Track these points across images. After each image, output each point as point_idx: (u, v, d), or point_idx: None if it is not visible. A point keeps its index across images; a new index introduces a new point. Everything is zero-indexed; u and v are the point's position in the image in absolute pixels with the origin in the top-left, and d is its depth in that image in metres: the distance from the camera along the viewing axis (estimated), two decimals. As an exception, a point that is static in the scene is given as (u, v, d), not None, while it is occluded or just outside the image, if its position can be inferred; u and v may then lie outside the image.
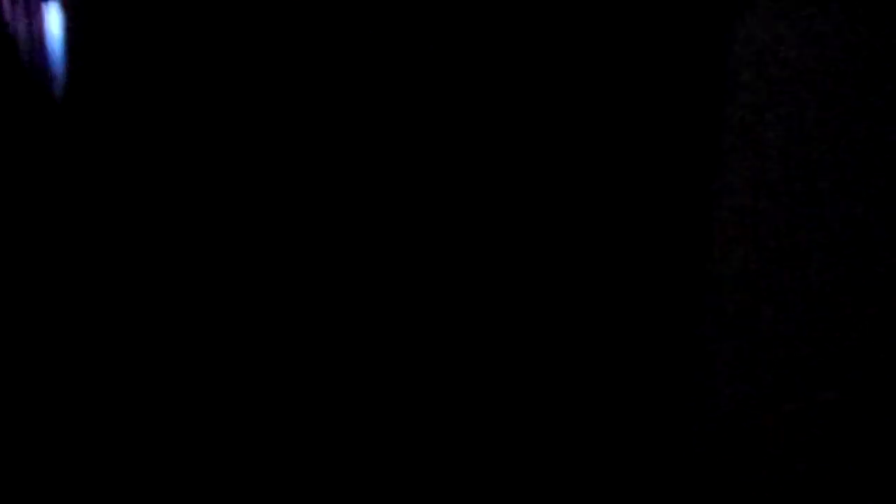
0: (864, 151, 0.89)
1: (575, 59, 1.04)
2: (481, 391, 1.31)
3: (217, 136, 2.41)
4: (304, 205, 1.92)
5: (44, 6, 4.21)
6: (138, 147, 3.13)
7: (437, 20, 1.33)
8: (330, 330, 1.80)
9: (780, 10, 0.80)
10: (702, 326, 0.90)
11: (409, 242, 1.49)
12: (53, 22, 4.18)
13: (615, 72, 0.98)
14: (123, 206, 3.09)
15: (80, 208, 2.99)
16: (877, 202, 0.92)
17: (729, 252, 0.87)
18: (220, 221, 2.42)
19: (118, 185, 3.23)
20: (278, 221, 2.06)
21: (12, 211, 2.75)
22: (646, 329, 0.98)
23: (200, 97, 2.53)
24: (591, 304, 1.06)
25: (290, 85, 1.93)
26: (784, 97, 0.84)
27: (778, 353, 0.93)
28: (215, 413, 1.94)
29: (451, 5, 1.28)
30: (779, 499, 0.98)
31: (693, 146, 0.87)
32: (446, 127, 1.34)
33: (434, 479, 1.44)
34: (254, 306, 2.17)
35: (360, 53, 1.60)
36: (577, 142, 1.05)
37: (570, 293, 1.10)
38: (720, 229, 0.86)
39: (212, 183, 2.48)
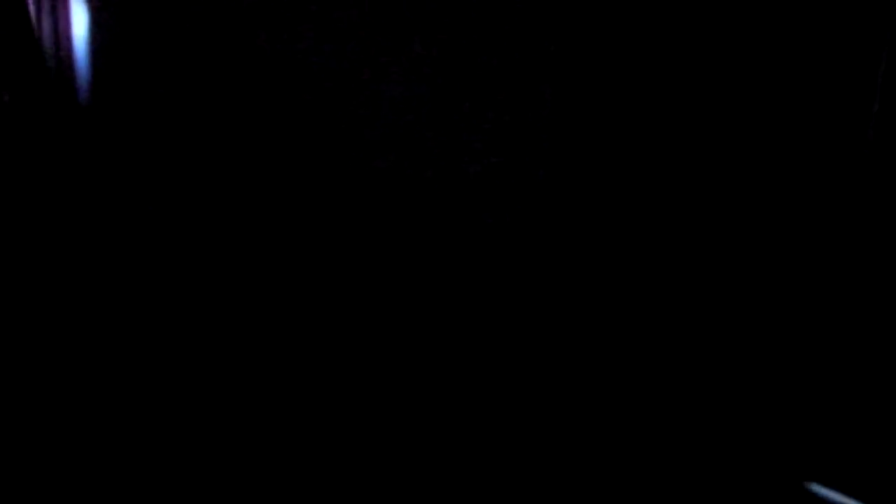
0: None
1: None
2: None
3: (249, 140, 2.41)
4: (340, 209, 1.90)
5: (70, 5, 4.26)
6: (167, 153, 3.13)
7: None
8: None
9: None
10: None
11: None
12: (79, 22, 4.22)
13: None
14: (150, 211, 3.09)
15: (106, 214, 2.99)
16: None
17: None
18: (252, 227, 2.41)
19: (145, 190, 3.24)
20: (310, 226, 2.04)
21: (37, 216, 2.75)
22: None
23: (233, 101, 2.53)
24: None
25: (332, 93, 1.92)
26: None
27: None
28: (227, 412, 1.92)
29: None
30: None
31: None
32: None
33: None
34: (283, 304, 2.16)
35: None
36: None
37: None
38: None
39: (244, 189, 2.47)
